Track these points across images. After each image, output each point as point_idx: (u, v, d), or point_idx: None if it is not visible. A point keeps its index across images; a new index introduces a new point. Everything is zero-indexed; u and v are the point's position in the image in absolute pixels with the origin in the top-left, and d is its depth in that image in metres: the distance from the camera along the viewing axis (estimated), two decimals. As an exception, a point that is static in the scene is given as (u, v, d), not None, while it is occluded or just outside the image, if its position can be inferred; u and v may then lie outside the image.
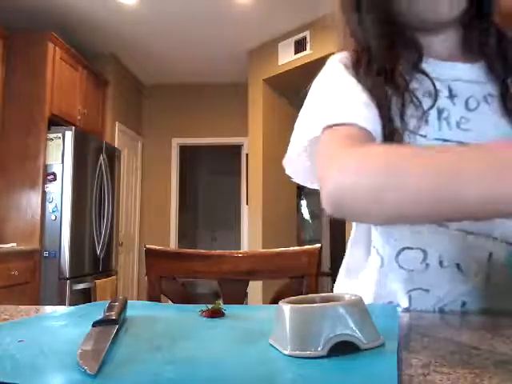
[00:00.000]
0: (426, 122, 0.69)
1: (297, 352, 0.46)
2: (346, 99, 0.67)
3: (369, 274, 0.78)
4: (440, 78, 0.72)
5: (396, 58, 0.71)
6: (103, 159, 4.21)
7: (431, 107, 0.70)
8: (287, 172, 0.79)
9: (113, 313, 0.60)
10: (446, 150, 0.53)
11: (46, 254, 3.61)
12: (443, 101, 0.71)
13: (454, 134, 0.69)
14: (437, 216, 0.48)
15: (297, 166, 0.77)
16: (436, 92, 0.70)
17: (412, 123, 0.69)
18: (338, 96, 0.68)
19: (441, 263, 0.71)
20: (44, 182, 3.65)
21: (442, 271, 0.71)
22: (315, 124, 0.66)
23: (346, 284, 0.85)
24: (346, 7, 0.77)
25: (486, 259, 0.69)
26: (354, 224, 0.84)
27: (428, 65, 0.73)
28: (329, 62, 0.80)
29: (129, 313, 0.67)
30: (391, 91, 0.69)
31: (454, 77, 0.73)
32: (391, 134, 0.67)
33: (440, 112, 0.70)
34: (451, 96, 0.71)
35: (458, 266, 0.71)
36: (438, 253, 0.71)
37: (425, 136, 0.68)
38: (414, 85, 0.71)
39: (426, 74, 0.71)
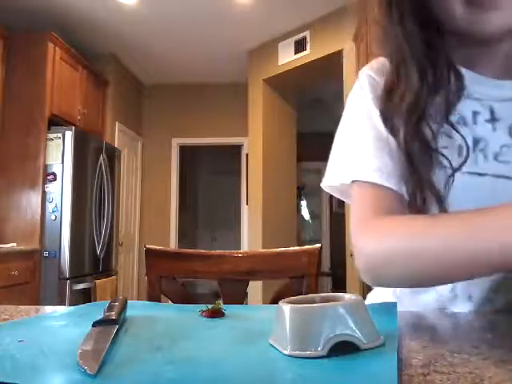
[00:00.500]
0: (460, 154, 0.63)
1: (297, 352, 0.46)
2: (374, 154, 0.65)
3: None
4: (482, 97, 0.65)
5: (430, 96, 0.63)
6: (103, 159, 4.21)
7: (460, 166, 0.62)
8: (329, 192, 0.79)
9: (113, 313, 0.60)
10: (457, 217, 0.53)
11: (46, 253, 3.61)
12: (482, 127, 0.64)
13: (490, 168, 0.63)
14: (454, 278, 0.55)
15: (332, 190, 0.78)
16: (467, 149, 0.63)
17: (439, 183, 0.63)
18: (367, 148, 0.66)
19: (453, 290, 0.70)
20: (44, 182, 3.65)
21: (452, 297, 0.70)
22: (345, 172, 0.69)
23: None
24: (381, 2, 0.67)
25: (505, 287, 0.67)
26: None
27: (470, 82, 0.65)
28: (361, 77, 0.73)
29: (129, 313, 0.67)
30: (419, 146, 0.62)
31: (499, 97, 0.64)
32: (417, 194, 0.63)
33: (476, 142, 0.63)
34: (493, 120, 0.64)
35: (469, 297, 0.69)
36: (452, 285, 0.69)
37: (456, 169, 0.63)
38: (443, 142, 0.64)
39: (456, 129, 0.63)
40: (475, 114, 0.65)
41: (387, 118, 0.65)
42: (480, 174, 0.63)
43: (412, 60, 0.64)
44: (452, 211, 0.61)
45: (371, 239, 0.59)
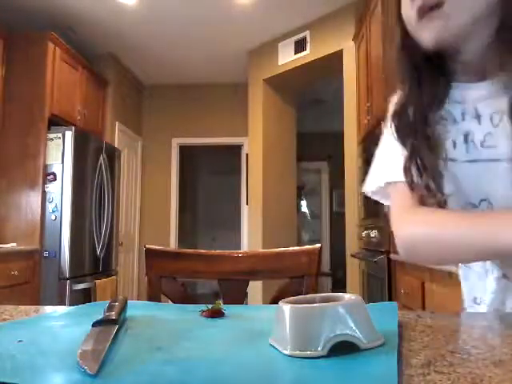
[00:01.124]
0: (455, 146, 0.77)
1: (297, 352, 0.46)
2: (398, 161, 0.80)
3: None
4: (467, 100, 0.78)
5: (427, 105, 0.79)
6: (103, 159, 4.21)
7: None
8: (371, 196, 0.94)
9: (113, 313, 0.60)
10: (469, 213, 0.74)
11: (46, 254, 3.61)
12: (469, 123, 0.77)
13: (480, 154, 0.75)
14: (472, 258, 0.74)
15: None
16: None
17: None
18: (393, 158, 0.83)
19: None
20: (44, 182, 3.65)
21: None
22: (379, 177, 0.86)
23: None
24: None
25: None
26: None
27: (455, 89, 0.79)
28: (389, 107, 0.88)
29: (129, 313, 0.67)
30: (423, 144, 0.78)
31: (479, 97, 0.76)
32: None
33: (466, 135, 0.76)
34: (477, 116, 0.76)
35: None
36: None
37: (455, 160, 0.76)
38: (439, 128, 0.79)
39: (444, 125, 0.79)
40: (463, 113, 0.78)
41: (400, 133, 0.81)
42: (472, 161, 0.76)
43: (411, 80, 0.81)
44: (462, 210, 0.77)
45: (408, 226, 0.76)
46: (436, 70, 0.79)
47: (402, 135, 0.80)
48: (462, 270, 0.87)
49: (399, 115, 0.82)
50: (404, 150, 0.79)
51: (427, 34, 0.71)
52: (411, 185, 0.77)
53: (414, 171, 0.77)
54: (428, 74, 0.79)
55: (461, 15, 0.69)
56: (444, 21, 0.69)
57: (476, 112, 0.76)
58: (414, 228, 0.75)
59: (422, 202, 0.76)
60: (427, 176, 0.76)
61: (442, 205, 0.76)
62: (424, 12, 0.70)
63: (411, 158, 0.78)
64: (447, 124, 0.78)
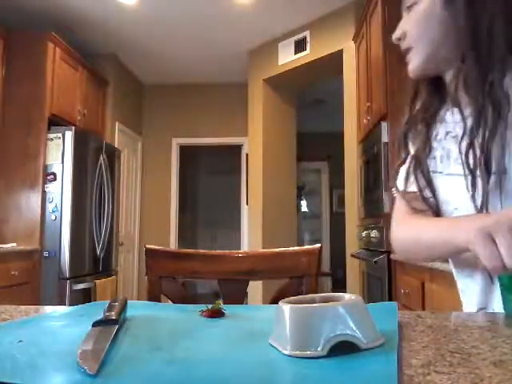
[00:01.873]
0: (442, 162, 0.90)
1: (297, 352, 0.46)
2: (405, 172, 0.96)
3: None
4: (449, 122, 0.91)
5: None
6: (103, 159, 4.21)
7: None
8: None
9: (113, 313, 0.60)
10: (438, 220, 0.89)
11: (46, 254, 3.61)
12: (450, 141, 0.89)
13: (454, 169, 0.87)
14: (437, 255, 0.88)
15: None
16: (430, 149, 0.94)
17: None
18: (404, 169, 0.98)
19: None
20: (44, 182, 3.65)
21: None
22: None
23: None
24: None
25: None
26: None
27: (445, 111, 0.92)
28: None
29: (129, 313, 0.67)
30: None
31: (455, 120, 0.89)
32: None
33: (448, 152, 0.90)
34: (455, 136, 0.88)
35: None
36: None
37: (441, 172, 0.90)
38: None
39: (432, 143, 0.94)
40: (447, 133, 0.91)
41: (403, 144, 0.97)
42: (449, 175, 0.88)
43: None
44: (435, 218, 0.90)
45: (398, 233, 0.94)
46: (432, 93, 0.95)
47: (405, 146, 0.96)
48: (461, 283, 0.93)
49: (404, 129, 0.97)
50: (406, 162, 0.94)
51: (409, 69, 0.91)
52: (406, 194, 0.93)
53: (412, 180, 0.92)
54: (425, 95, 0.95)
55: (425, 49, 0.87)
56: (414, 59, 0.89)
57: (455, 133, 0.89)
58: (402, 234, 0.93)
59: (417, 209, 0.91)
60: (424, 185, 0.91)
61: (434, 210, 0.90)
62: (405, 53, 0.91)
63: (410, 168, 0.93)
64: (438, 140, 0.92)
